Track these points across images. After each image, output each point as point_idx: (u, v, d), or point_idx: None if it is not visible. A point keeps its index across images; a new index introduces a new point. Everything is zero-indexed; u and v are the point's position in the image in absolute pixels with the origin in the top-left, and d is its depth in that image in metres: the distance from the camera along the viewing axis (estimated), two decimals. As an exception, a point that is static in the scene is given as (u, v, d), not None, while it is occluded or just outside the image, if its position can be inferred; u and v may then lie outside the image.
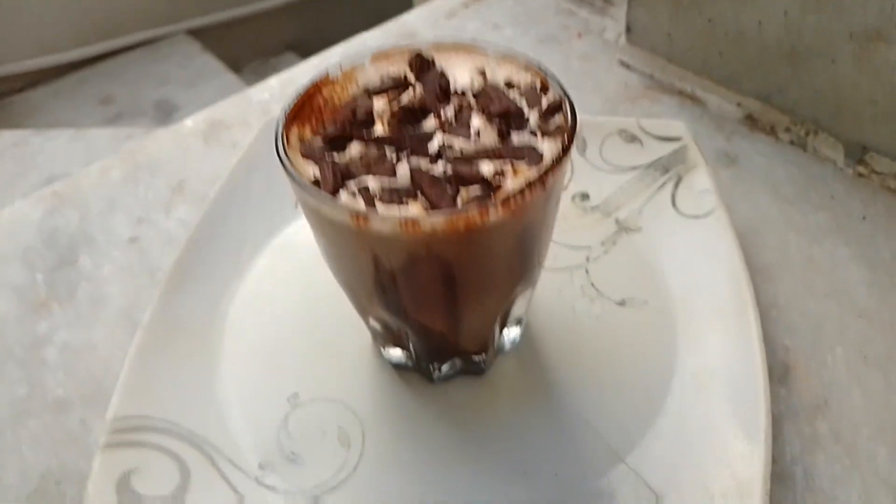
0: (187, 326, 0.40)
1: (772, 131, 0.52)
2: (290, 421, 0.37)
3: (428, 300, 0.31)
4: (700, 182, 0.44)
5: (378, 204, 0.27)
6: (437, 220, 0.26)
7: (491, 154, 0.29)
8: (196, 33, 1.79)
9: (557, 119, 0.30)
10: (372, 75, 0.34)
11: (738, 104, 0.53)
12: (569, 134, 0.29)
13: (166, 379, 0.38)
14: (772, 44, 0.49)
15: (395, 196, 0.28)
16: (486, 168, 0.29)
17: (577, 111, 0.30)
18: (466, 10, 0.66)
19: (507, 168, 0.28)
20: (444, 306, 0.31)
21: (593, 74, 0.58)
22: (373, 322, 0.35)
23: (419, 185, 0.28)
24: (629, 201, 0.46)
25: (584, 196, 0.46)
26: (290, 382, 0.39)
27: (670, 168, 0.46)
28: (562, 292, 0.42)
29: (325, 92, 0.32)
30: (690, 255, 0.42)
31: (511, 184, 0.28)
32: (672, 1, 0.52)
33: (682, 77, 0.55)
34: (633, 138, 0.47)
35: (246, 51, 1.86)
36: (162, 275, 0.45)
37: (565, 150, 0.28)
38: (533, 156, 0.29)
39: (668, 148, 0.46)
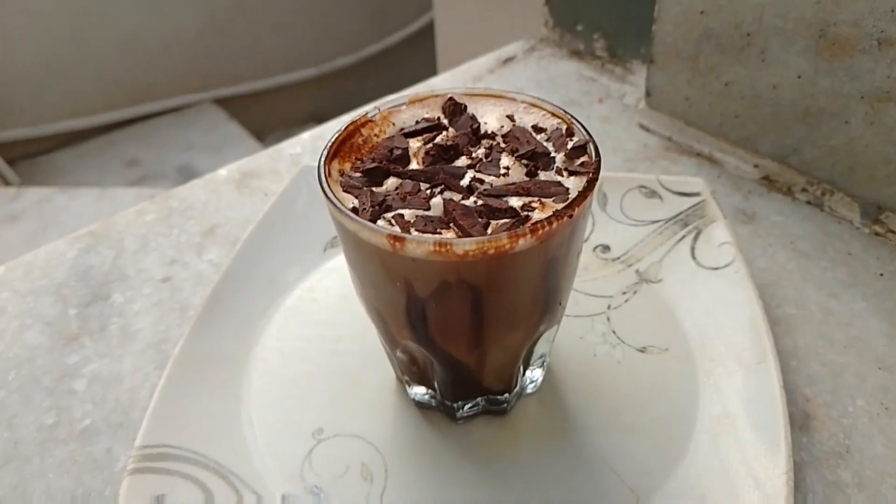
0: (216, 360, 0.42)
1: (789, 191, 0.54)
2: (314, 455, 0.38)
3: (456, 329, 0.33)
4: (719, 235, 0.46)
5: (413, 231, 0.30)
6: (468, 244, 0.28)
7: (520, 190, 0.31)
8: (222, 102, 1.87)
9: (582, 159, 0.33)
10: (408, 118, 0.36)
11: (756, 165, 0.55)
12: (594, 170, 0.31)
13: (194, 410, 0.39)
14: (787, 106, 0.51)
15: (430, 225, 0.30)
16: (515, 202, 0.31)
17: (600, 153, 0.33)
18: (492, 75, 0.70)
19: (535, 203, 0.31)
20: (470, 336, 0.33)
21: (614, 135, 0.61)
22: (400, 355, 0.37)
23: (452, 216, 0.30)
24: (649, 253, 0.48)
25: (606, 248, 0.48)
26: (315, 418, 0.40)
27: (689, 222, 0.48)
28: (584, 338, 0.43)
29: (364, 131, 0.35)
30: (710, 305, 0.43)
31: (539, 215, 0.30)
32: (690, 66, 0.56)
33: (700, 139, 0.58)
34: (653, 193, 0.50)
35: (270, 121, 1.94)
36: (193, 312, 0.47)
37: (591, 182, 0.30)
38: (559, 191, 0.31)
39: (687, 203, 0.49)
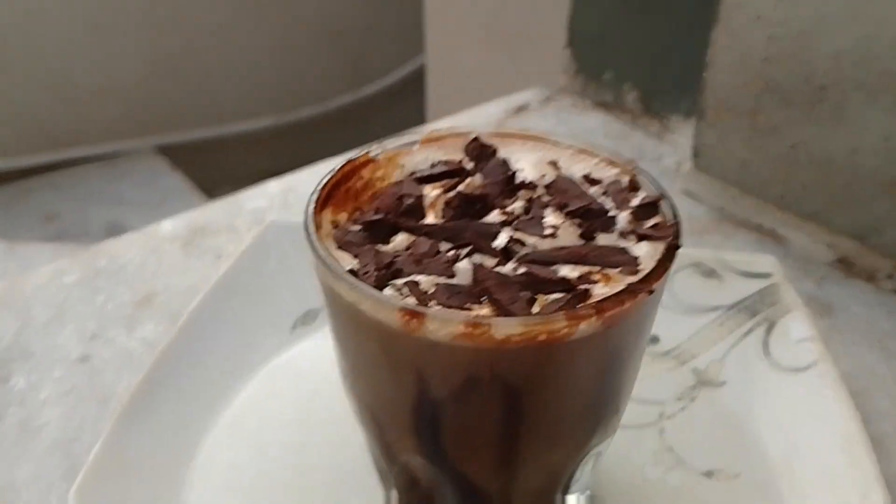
0: (144, 473, 0.37)
1: (871, 278, 0.51)
2: None
3: (480, 443, 0.28)
4: (798, 329, 0.42)
5: (432, 305, 0.25)
6: (513, 325, 0.24)
7: (573, 256, 0.27)
8: (166, 151, 1.84)
9: (654, 220, 0.29)
10: (420, 160, 0.33)
11: (829, 245, 0.52)
12: (674, 234, 0.27)
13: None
14: (867, 174, 0.49)
15: (455, 297, 0.26)
16: (569, 272, 0.27)
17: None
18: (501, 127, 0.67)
19: (596, 274, 0.27)
20: (499, 453, 0.28)
21: (652, 203, 0.58)
22: (398, 475, 0.32)
23: (484, 287, 0.26)
24: (709, 348, 0.44)
25: (653, 339, 0.44)
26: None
27: (759, 311, 0.44)
28: (629, 457, 0.39)
29: (365, 173, 0.31)
30: (792, 417, 0.39)
31: (601, 290, 0.26)
32: (748, 124, 0.53)
33: (760, 210, 0.55)
34: (710, 273, 0.46)
35: (219, 175, 1.89)
36: (116, 404, 0.42)
37: (670, 249, 0.27)
38: (626, 261, 0.27)
39: (755, 286, 0.45)
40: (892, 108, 0.47)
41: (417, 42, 1.29)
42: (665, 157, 0.64)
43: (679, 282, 0.46)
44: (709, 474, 0.38)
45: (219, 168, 1.89)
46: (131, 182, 1.72)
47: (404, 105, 1.82)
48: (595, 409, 0.29)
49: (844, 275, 0.52)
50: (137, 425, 0.38)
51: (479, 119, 0.69)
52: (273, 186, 0.59)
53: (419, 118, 1.29)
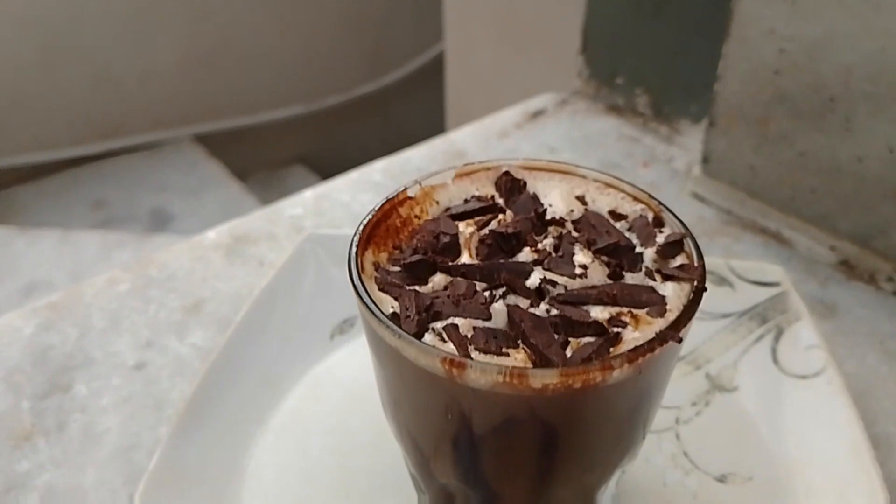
0: (201, 479, 0.37)
1: (871, 279, 0.50)
2: None
3: (517, 472, 0.28)
4: (805, 336, 0.41)
5: (471, 350, 0.25)
6: (549, 375, 0.23)
7: (604, 296, 0.26)
8: (203, 139, 1.83)
9: (680, 260, 0.28)
10: (454, 194, 0.32)
11: (832, 247, 0.51)
12: (700, 277, 0.26)
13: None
14: (873, 181, 0.48)
15: (493, 342, 0.25)
16: (599, 313, 0.26)
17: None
18: (520, 131, 0.66)
19: (625, 315, 0.26)
20: (535, 480, 0.28)
21: (664, 206, 0.57)
22: (434, 491, 0.31)
23: (520, 330, 0.25)
24: (721, 354, 0.43)
25: (667, 344, 0.44)
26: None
27: (768, 318, 0.43)
28: (650, 461, 0.38)
29: (403, 210, 0.30)
30: (800, 423, 0.39)
31: (632, 334, 0.25)
32: (758, 132, 0.52)
33: (766, 214, 0.54)
34: (721, 281, 0.45)
35: (253, 161, 1.89)
36: (171, 410, 0.42)
37: (697, 293, 0.26)
38: (654, 301, 0.26)
39: (764, 294, 0.44)
40: (897, 120, 0.45)
41: (433, 32, 1.27)
42: (675, 159, 0.62)
43: (693, 289, 0.45)
44: (722, 479, 0.37)
45: (252, 154, 1.88)
46: (172, 169, 1.72)
47: (423, 92, 1.80)
48: (621, 439, 0.28)
49: (846, 276, 0.50)
50: (192, 435, 0.38)
51: (499, 123, 0.68)
52: (308, 194, 0.58)
53: (438, 105, 1.27)
